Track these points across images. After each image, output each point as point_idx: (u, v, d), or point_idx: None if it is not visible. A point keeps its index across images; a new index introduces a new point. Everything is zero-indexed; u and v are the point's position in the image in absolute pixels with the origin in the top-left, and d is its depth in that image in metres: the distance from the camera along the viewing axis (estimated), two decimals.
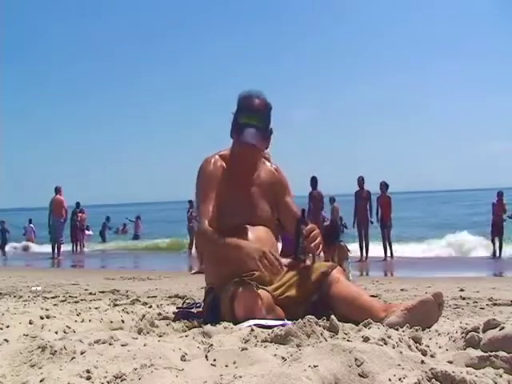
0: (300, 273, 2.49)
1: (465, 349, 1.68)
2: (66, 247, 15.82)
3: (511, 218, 12.98)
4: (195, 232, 2.69)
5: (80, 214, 17.33)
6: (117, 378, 1.41)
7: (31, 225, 22.36)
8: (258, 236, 2.50)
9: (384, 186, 11.91)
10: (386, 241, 11.91)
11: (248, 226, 2.52)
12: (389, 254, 11.90)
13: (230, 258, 2.40)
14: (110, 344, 1.74)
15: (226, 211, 2.52)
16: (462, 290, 5.15)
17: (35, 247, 19.25)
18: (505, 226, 12.85)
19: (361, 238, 11.87)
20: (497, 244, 12.79)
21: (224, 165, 2.62)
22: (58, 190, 13.48)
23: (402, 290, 5.40)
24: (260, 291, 2.33)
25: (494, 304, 4.10)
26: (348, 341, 1.69)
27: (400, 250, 12.77)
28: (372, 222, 11.91)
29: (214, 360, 1.53)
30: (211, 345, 1.73)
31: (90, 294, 5.05)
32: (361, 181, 11.87)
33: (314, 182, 11.42)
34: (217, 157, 2.65)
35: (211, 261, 2.62)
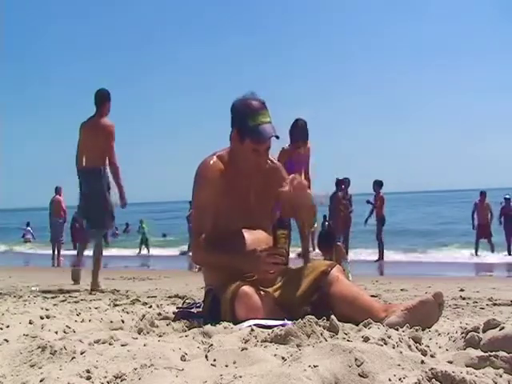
0: (300, 272, 2.50)
1: (465, 349, 1.68)
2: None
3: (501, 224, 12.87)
4: (191, 244, 2.63)
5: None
6: (117, 377, 1.41)
7: (29, 228, 22.32)
8: (256, 238, 2.49)
9: (376, 184, 11.78)
10: (377, 239, 11.88)
11: (246, 230, 2.51)
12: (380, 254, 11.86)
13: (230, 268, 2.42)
14: (110, 344, 1.74)
15: (224, 215, 2.51)
16: (462, 290, 5.15)
17: None
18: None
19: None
20: (480, 245, 12.68)
21: (222, 167, 2.57)
22: (57, 190, 13.49)
23: (402, 290, 5.40)
24: (260, 292, 2.33)
25: (494, 304, 4.10)
26: (348, 341, 1.69)
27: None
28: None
29: (214, 360, 1.53)
30: (211, 345, 1.73)
31: (90, 294, 5.05)
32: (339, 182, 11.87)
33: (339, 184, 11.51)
34: (215, 158, 2.59)
35: (207, 266, 2.64)
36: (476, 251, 12.71)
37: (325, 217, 12.66)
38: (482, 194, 12.98)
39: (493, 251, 12.69)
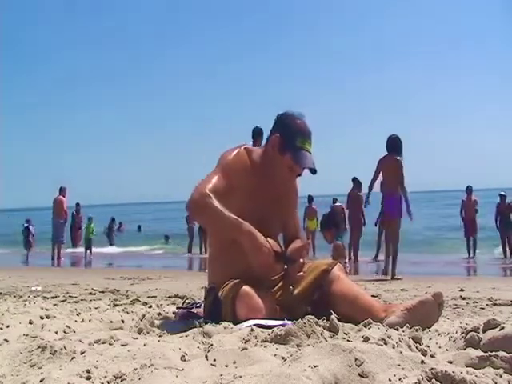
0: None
1: (465, 349, 1.68)
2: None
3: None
4: (191, 195, 2.36)
5: (76, 215, 17.32)
6: (117, 377, 1.41)
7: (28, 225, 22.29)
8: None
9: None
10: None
11: None
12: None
13: (227, 233, 2.32)
14: (109, 344, 1.74)
15: (234, 212, 2.33)
16: (462, 290, 5.15)
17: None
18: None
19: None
20: (471, 244, 12.31)
21: (247, 161, 2.51)
22: (61, 191, 13.49)
23: (401, 290, 5.40)
24: (262, 292, 2.33)
25: (494, 304, 4.10)
26: (348, 341, 1.69)
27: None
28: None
29: (214, 360, 1.53)
30: (211, 345, 1.73)
31: (90, 293, 5.05)
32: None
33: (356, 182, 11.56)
34: (242, 150, 2.53)
35: (218, 260, 2.54)
36: (468, 251, 12.35)
37: (334, 200, 12.71)
38: (468, 189, 12.57)
39: (475, 250, 12.25)
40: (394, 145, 7.38)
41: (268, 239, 2.38)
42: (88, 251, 15.23)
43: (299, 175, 2.54)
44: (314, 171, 2.49)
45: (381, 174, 7.56)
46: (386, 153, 7.45)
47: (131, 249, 17.36)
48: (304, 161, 2.45)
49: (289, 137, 2.46)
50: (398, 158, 7.37)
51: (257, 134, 7.09)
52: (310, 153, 2.48)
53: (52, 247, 13.68)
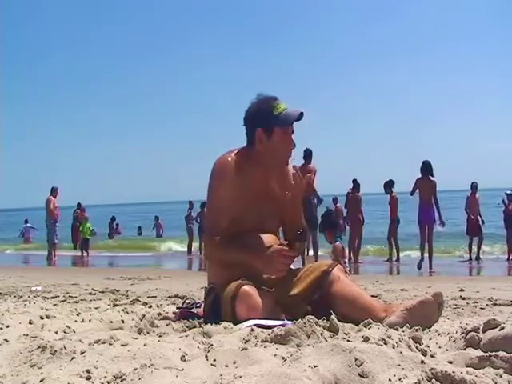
0: (301, 272, 2.50)
1: (465, 349, 1.68)
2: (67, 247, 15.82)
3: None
4: (204, 240, 2.63)
5: (80, 213, 17.20)
6: (117, 378, 1.41)
7: (28, 225, 22.29)
8: (268, 242, 2.47)
9: (387, 185, 11.68)
10: (388, 240, 11.83)
11: (257, 234, 2.48)
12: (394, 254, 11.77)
13: (241, 266, 2.41)
14: (109, 344, 1.74)
15: (237, 213, 2.46)
16: (462, 290, 5.15)
17: None
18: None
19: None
20: (474, 245, 11.80)
21: (240, 165, 2.52)
22: (52, 191, 13.50)
23: (401, 290, 5.40)
24: (261, 291, 2.33)
25: (494, 304, 4.11)
26: (348, 341, 1.69)
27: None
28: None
29: (214, 360, 1.53)
30: (211, 345, 1.73)
31: (90, 293, 5.05)
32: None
33: (355, 184, 11.65)
34: (233, 155, 2.54)
35: (218, 263, 2.57)
36: (470, 251, 11.94)
37: (334, 200, 12.76)
38: (473, 187, 11.94)
39: (479, 251, 11.79)
40: (427, 169, 9.59)
41: (269, 235, 2.46)
42: (84, 252, 14.97)
43: (293, 131, 2.56)
44: (301, 115, 2.51)
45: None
46: (420, 174, 9.55)
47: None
48: (290, 117, 2.50)
49: (266, 119, 2.50)
50: (433, 179, 9.49)
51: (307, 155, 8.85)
52: (287, 108, 2.51)
53: (48, 247, 13.71)
